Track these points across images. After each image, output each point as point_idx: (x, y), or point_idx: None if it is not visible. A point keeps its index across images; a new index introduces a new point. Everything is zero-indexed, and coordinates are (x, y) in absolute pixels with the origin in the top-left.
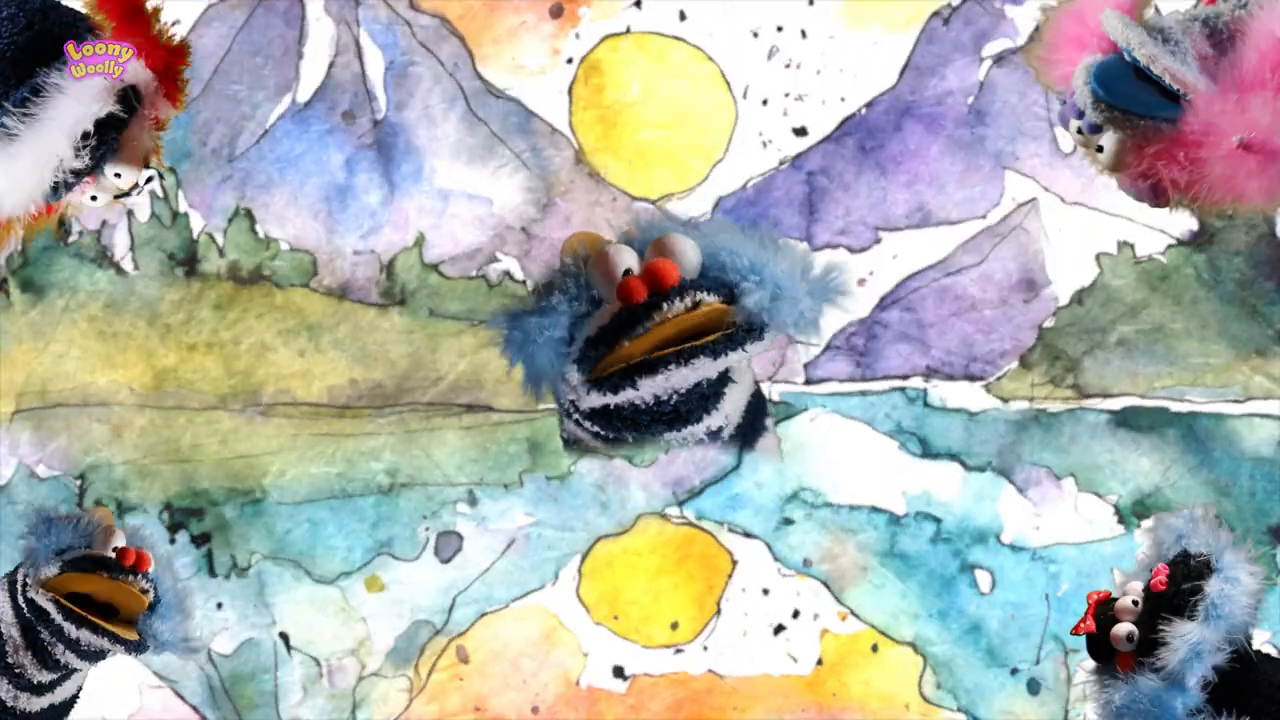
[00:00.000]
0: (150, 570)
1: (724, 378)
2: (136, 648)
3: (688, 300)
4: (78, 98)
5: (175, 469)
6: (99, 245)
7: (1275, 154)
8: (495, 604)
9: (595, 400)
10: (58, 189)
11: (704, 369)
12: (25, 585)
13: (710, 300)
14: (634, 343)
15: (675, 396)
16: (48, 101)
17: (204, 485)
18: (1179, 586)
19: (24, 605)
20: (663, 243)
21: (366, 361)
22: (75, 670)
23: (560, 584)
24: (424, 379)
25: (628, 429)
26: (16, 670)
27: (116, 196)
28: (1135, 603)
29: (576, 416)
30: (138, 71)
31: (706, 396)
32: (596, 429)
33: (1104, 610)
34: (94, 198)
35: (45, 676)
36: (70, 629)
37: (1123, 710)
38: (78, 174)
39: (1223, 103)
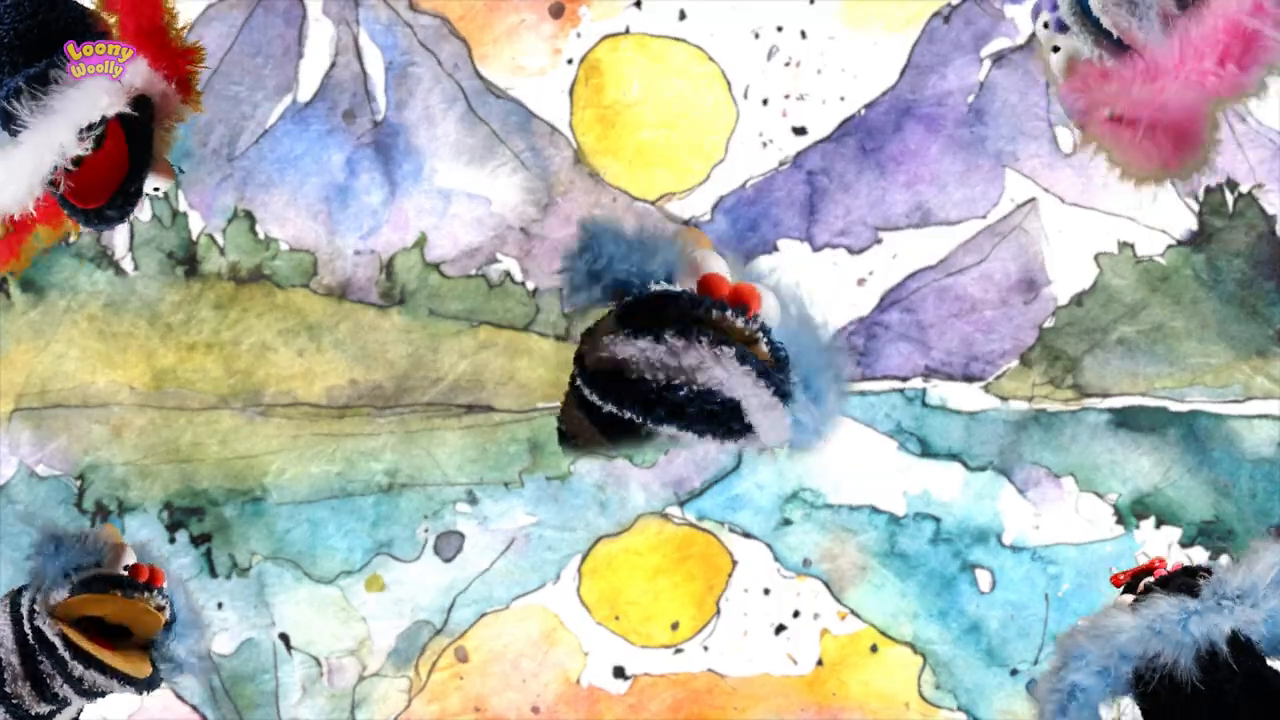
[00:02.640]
0: (165, 586)
1: (739, 415)
2: (147, 685)
3: (749, 328)
4: (89, 92)
5: (175, 469)
6: (99, 245)
7: (1141, 127)
8: (495, 604)
9: (611, 346)
10: (123, 214)
11: (727, 367)
12: (33, 611)
13: (763, 349)
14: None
15: (687, 388)
16: (60, 92)
17: (204, 485)
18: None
19: (29, 632)
20: (748, 285)
21: (366, 361)
22: (67, 704)
23: (560, 584)
24: (424, 379)
25: (630, 405)
26: (14, 700)
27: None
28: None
29: (579, 381)
30: (153, 82)
31: (716, 414)
32: (595, 397)
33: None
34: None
35: (43, 708)
36: (76, 667)
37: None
38: (125, 205)
39: (1135, 71)
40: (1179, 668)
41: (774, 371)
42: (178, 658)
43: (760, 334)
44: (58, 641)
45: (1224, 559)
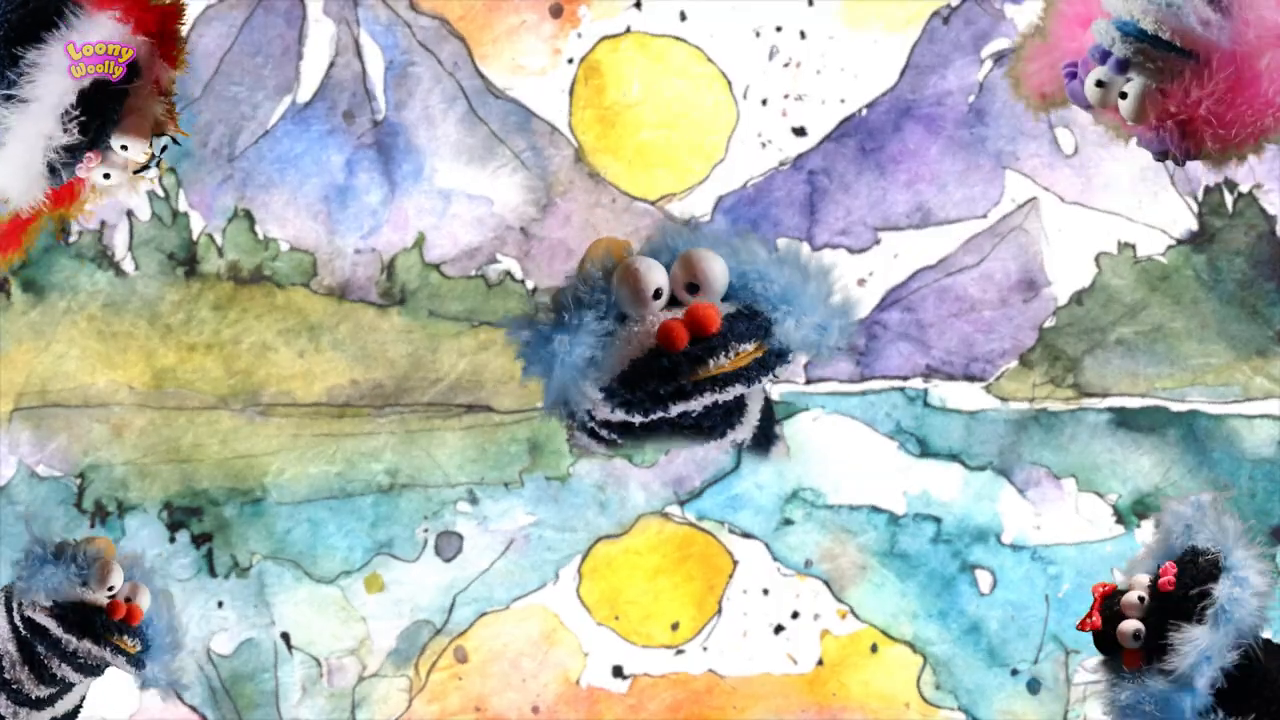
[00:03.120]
0: (140, 623)
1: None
2: (136, 661)
3: (730, 354)
4: (59, 72)
5: (175, 469)
6: (99, 245)
7: (1241, 119)
8: (495, 604)
9: (620, 417)
10: (55, 170)
11: (736, 393)
12: (20, 605)
13: (748, 349)
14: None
15: (700, 409)
16: (32, 80)
17: (204, 485)
18: (1187, 589)
19: (20, 623)
20: (692, 261)
21: (366, 361)
22: (75, 684)
23: (560, 584)
24: (424, 379)
25: (648, 438)
26: (14, 685)
27: (135, 171)
28: (1141, 599)
29: (592, 425)
30: (128, 40)
31: (730, 411)
32: (614, 437)
33: (1110, 604)
34: (107, 175)
35: (43, 691)
36: (70, 641)
37: (1129, 709)
38: (74, 150)
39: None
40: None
41: (769, 356)
42: (146, 676)
43: (738, 344)
44: (50, 624)
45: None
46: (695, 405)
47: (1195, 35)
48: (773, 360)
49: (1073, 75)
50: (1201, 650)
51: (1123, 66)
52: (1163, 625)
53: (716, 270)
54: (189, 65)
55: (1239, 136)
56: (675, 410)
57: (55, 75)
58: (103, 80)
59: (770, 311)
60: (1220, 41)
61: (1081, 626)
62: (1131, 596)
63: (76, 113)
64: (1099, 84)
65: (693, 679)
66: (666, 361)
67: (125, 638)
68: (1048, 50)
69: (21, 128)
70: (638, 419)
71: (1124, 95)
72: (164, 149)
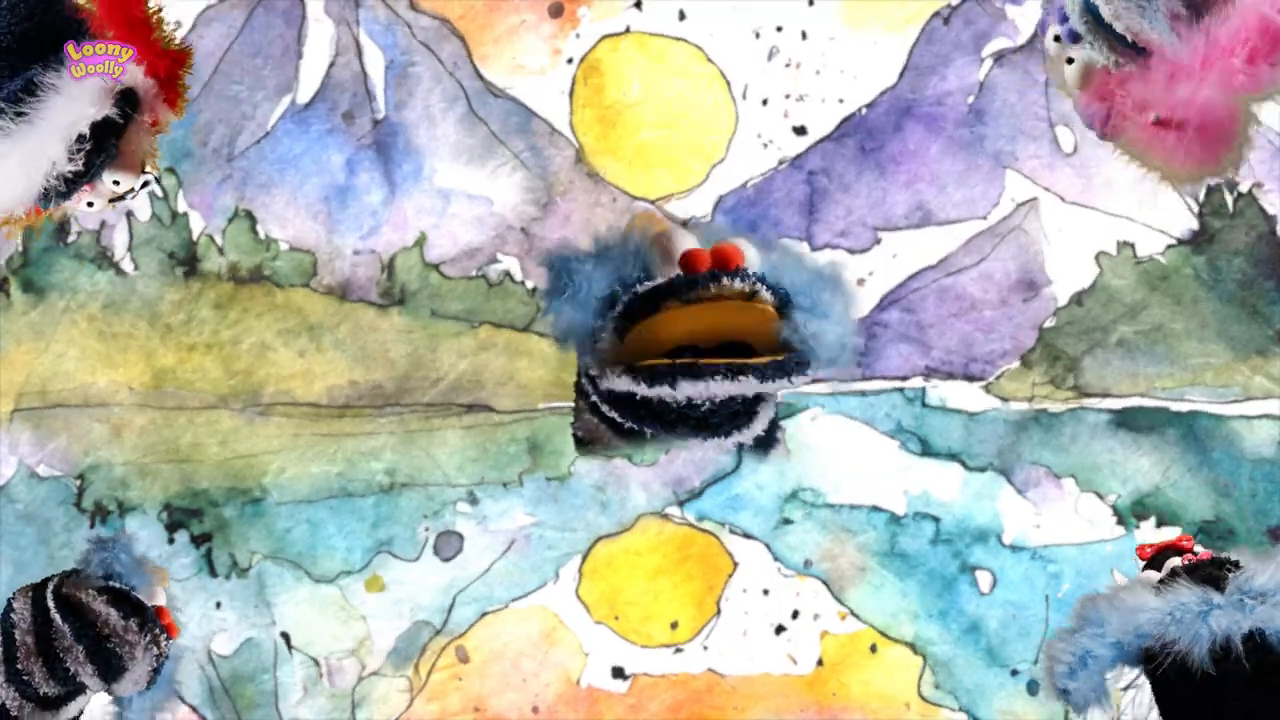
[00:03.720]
0: (173, 640)
1: (759, 397)
2: (157, 663)
3: (746, 284)
4: (75, 98)
5: (175, 469)
6: (99, 245)
7: (1184, 129)
8: (495, 604)
9: (625, 385)
10: (49, 195)
11: (747, 388)
12: (61, 583)
13: (766, 297)
14: (683, 308)
15: (708, 404)
16: (43, 101)
17: (204, 485)
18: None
19: (52, 604)
20: (724, 247)
21: (366, 361)
22: (79, 690)
23: (560, 584)
24: (424, 379)
25: (651, 423)
26: (24, 677)
27: (112, 200)
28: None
29: (595, 398)
30: (136, 76)
31: (739, 413)
32: (615, 415)
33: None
34: (90, 204)
35: (52, 689)
36: (111, 615)
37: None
38: (73, 180)
39: (1161, 74)
40: (1192, 656)
41: (789, 361)
42: (128, 708)
43: (759, 284)
44: (91, 597)
45: (1248, 554)
46: (703, 389)
47: (1148, 36)
48: (791, 365)
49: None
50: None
51: (1076, 37)
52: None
53: (748, 253)
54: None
55: (1161, 126)
56: (684, 389)
57: (68, 101)
58: (109, 119)
59: (795, 298)
60: (1174, 44)
61: (1140, 552)
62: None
63: (86, 143)
64: (1056, 39)
65: (693, 679)
66: (684, 277)
67: (164, 639)
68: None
69: (25, 148)
70: (643, 390)
71: (1070, 60)
72: (145, 184)
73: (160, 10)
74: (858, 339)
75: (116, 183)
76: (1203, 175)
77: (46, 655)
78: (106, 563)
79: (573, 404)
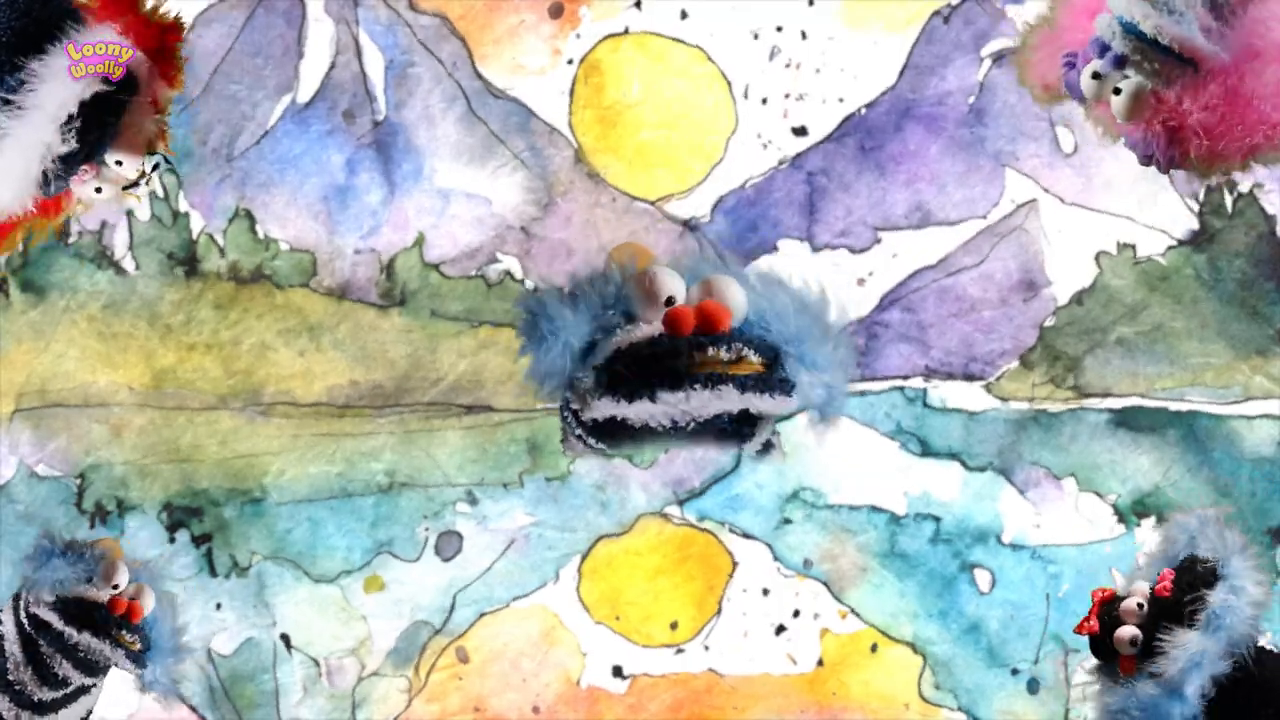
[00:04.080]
0: (141, 621)
1: (746, 425)
2: (137, 659)
3: (732, 353)
4: (61, 81)
5: (175, 469)
6: (99, 245)
7: (1229, 130)
8: (495, 604)
9: (606, 409)
10: (49, 180)
11: (728, 400)
12: (27, 602)
13: (753, 360)
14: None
15: (692, 424)
16: (32, 89)
17: (204, 485)
18: (1183, 594)
19: (26, 621)
20: (712, 284)
21: (366, 361)
22: (79, 689)
23: (560, 584)
24: (424, 379)
25: (640, 444)
26: (17, 687)
27: (125, 188)
28: (1140, 605)
29: (579, 431)
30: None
31: (728, 432)
32: (601, 446)
33: (1108, 610)
34: (99, 189)
35: (46, 694)
36: (71, 634)
37: (1118, 714)
38: (70, 160)
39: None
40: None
41: (773, 376)
42: (144, 678)
43: (744, 348)
44: (53, 617)
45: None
46: (683, 402)
47: (1194, 44)
48: (775, 381)
49: (1071, 66)
50: (1192, 655)
51: (1120, 63)
52: (1158, 631)
53: (736, 298)
54: (184, 82)
55: (1226, 151)
56: (662, 399)
57: (56, 84)
58: (102, 94)
59: (780, 344)
60: (1219, 51)
61: (1079, 630)
62: (1130, 603)
63: (76, 122)
64: (1095, 76)
65: (693, 679)
66: (668, 342)
67: (125, 633)
68: (1053, 39)
69: (20, 135)
70: (624, 410)
71: (1118, 91)
72: (155, 167)
73: None
74: (849, 385)
75: (119, 162)
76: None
77: (35, 663)
78: (47, 577)
79: (560, 424)
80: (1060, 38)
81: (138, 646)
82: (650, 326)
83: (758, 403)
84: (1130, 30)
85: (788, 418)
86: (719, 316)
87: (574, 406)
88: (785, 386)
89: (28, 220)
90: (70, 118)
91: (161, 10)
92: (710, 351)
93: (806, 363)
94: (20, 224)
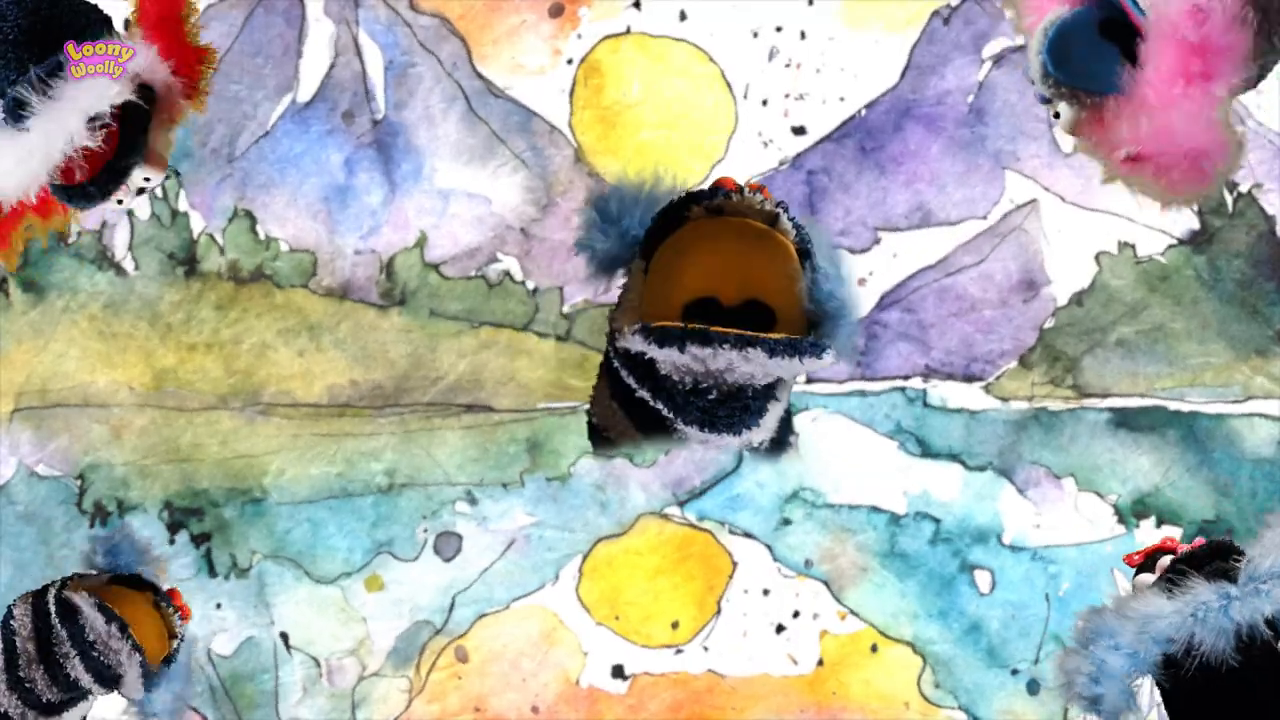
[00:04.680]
0: (187, 624)
1: (769, 393)
2: (149, 677)
3: (770, 204)
4: (94, 81)
5: (175, 469)
6: (99, 245)
7: (1158, 160)
8: (495, 604)
9: (638, 344)
10: (89, 195)
11: (755, 363)
12: (62, 585)
13: (786, 226)
14: (709, 221)
15: (716, 391)
16: (63, 83)
17: (204, 485)
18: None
19: (53, 605)
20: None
21: (366, 361)
22: (81, 695)
23: (560, 584)
24: (424, 379)
25: (662, 398)
26: (27, 684)
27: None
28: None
29: (614, 360)
30: (161, 72)
31: (748, 408)
32: (630, 381)
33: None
34: (120, 201)
35: (54, 695)
36: (96, 619)
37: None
38: (112, 180)
39: (1119, 113)
40: (1218, 652)
41: (802, 341)
42: (153, 702)
43: (780, 209)
44: (83, 602)
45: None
46: (711, 359)
47: (1087, 84)
48: (805, 345)
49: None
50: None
51: (1046, 100)
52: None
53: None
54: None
55: (1164, 166)
56: (691, 353)
57: (97, 81)
58: (138, 110)
59: (837, 314)
60: (1124, 94)
61: (1127, 560)
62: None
63: (105, 119)
64: (1042, 99)
65: (693, 679)
66: (711, 187)
67: (176, 619)
68: None
69: (48, 124)
70: (652, 350)
71: (1058, 115)
72: (166, 177)
73: (194, 4)
74: (861, 329)
75: (147, 179)
76: (1198, 194)
77: (47, 662)
78: (110, 552)
79: (590, 393)
80: None
81: (175, 646)
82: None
83: (787, 369)
84: (1048, 73)
85: (798, 411)
86: (759, 187)
87: (615, 326)
88: (816, 350)
89: (23, 216)
90: (98, 115)
91: (196, 32)
92: (750, 196)
93: (834, 278)
94: (17, 227)
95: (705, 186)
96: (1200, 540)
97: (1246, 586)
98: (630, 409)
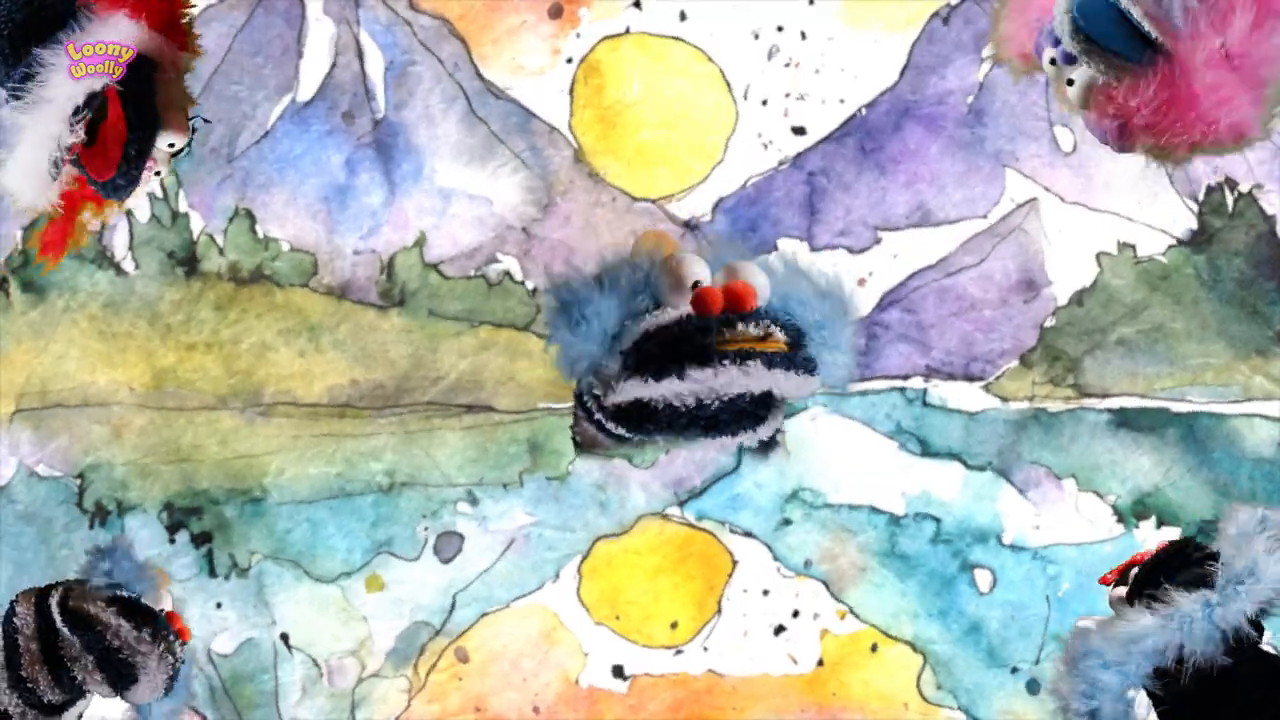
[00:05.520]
0: (186, 643)
1: (769, 401)
2: (173, 670)
3: (760, 329)
4: (64, 72)
5: (175, 469)
6: (99, 245)
7: (1253, 69)
8: (495, 604)
9: (633, 390)
10: (133, 179)
11: (755, 377)
12: (67, 594)
13: (780, 337)
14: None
15: (717, 403)
16: (41, 82)
17: (204, 485)
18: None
19: (57, 615)
20: (736, 269)
21: (366, 361)
22: (80, 696)
23: (560, 584)
24: (424, 379)
25: (660, 431)
26: (29, 685)
27: (175, 154)
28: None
29: (599, 416)
30: (143, 38)
31: (747, 413)
32: (621, 431)
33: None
34: (158, 173)
35: (56, 696)
36: (122, 625)
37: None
38: (137, 161)
39: (1204, 34)
40: (1208, 657)
41: (797, 355)
42: (154, 709)
43: (771, 326)
44: (105, 612)
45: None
46: (711, 379)
47: (1164, 24)
48: (800, 359)
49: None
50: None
51: (1071, 58)
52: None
53: (760, 281)
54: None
55: (1170, 145)
56: (691, 376)
57: (62, 76)
58: (137, 85)
59: (806, 328)
60: (1180, 39)
61: (1103, 580)
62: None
63: (84, 113)
64: (1052, 62)
65: (693, 679)
66: (697, 321)
67: (176, 644)
68: (1024, 7)
69: (31, 130)
70: (651, 390)
71: (1071, 82)
72: (194, 131)
73: None
74: (853, 364)
75: (172, 145)
76: (1236, 145)
77: (51, 663)
78: (109, 571)
79: (572, 409)
80: (1030, 6)
81: (182, 661)
82: (677, 310)
83: (783, 381)
84: (1080, 29)
85: (797, 411)
86: (746, 295)
87: (596, 392)
88: (809, 365)
89: (80, 205)
90: (77, 109)
91: None
92: (740, 327)
93: (830, 344)
94: (76, 209)
95: (687, 310)
96: (1162, 544)
97: (1225, 590)
98: (614, 435)
